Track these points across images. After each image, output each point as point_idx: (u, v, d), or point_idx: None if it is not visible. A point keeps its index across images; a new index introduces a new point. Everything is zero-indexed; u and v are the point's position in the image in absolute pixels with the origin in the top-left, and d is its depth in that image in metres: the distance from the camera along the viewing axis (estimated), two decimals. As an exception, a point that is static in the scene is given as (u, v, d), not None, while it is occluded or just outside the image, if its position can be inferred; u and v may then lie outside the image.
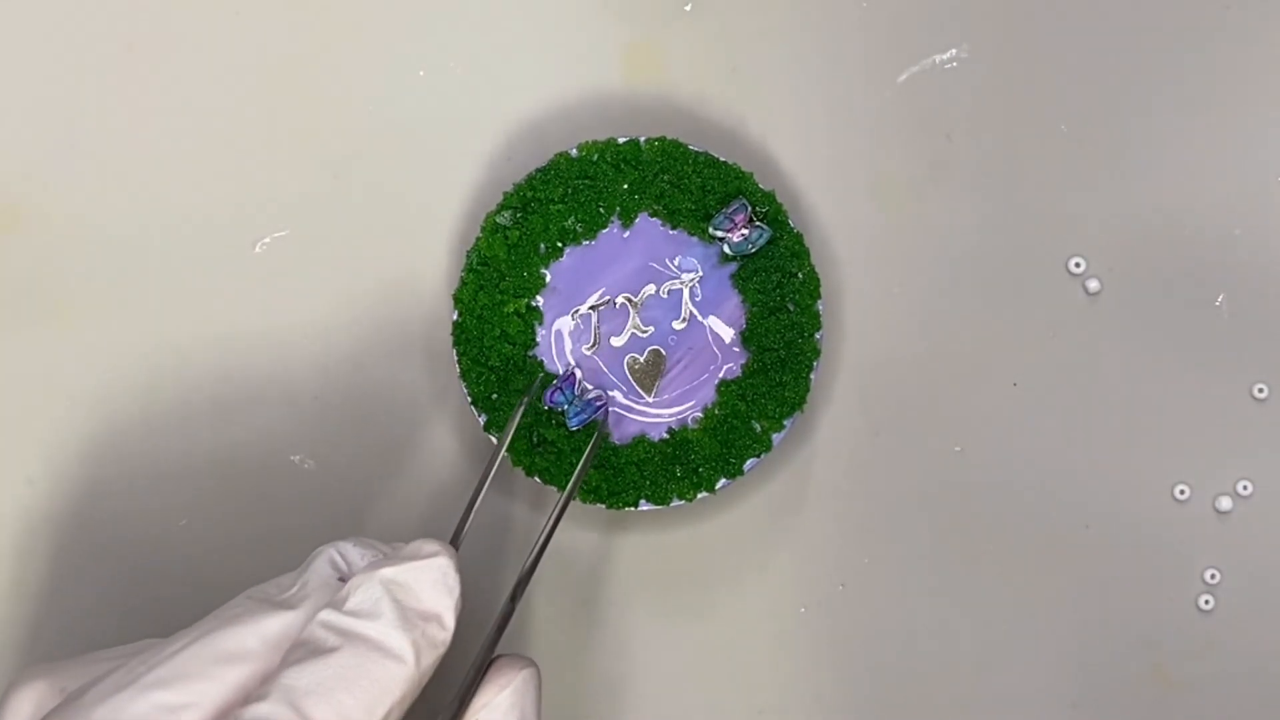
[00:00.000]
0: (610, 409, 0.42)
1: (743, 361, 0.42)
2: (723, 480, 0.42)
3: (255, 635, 0.33)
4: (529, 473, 0.42)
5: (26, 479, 0.44)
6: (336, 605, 0.33)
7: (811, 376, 0.42)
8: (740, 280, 0.42)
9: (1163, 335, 0.44)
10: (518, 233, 0.42)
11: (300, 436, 0.43)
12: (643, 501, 0.42)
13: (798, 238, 0.42)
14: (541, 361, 0.42)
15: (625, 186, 0.42)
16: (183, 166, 0.45)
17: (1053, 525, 0.44)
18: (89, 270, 0.45)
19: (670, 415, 0.42)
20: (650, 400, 0.42)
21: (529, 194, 0.42)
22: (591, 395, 0.42)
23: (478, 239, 0.42)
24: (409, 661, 0.32)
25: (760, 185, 0.42)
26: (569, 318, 0.42)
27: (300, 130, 0.45)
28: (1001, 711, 0.43)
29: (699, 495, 0.42)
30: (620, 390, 0.42)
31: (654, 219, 0.42)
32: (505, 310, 0.42)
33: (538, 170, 0.42)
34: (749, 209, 0.41)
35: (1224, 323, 0.44)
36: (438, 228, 0.45)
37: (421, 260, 0.44)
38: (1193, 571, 0.44)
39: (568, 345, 0.42)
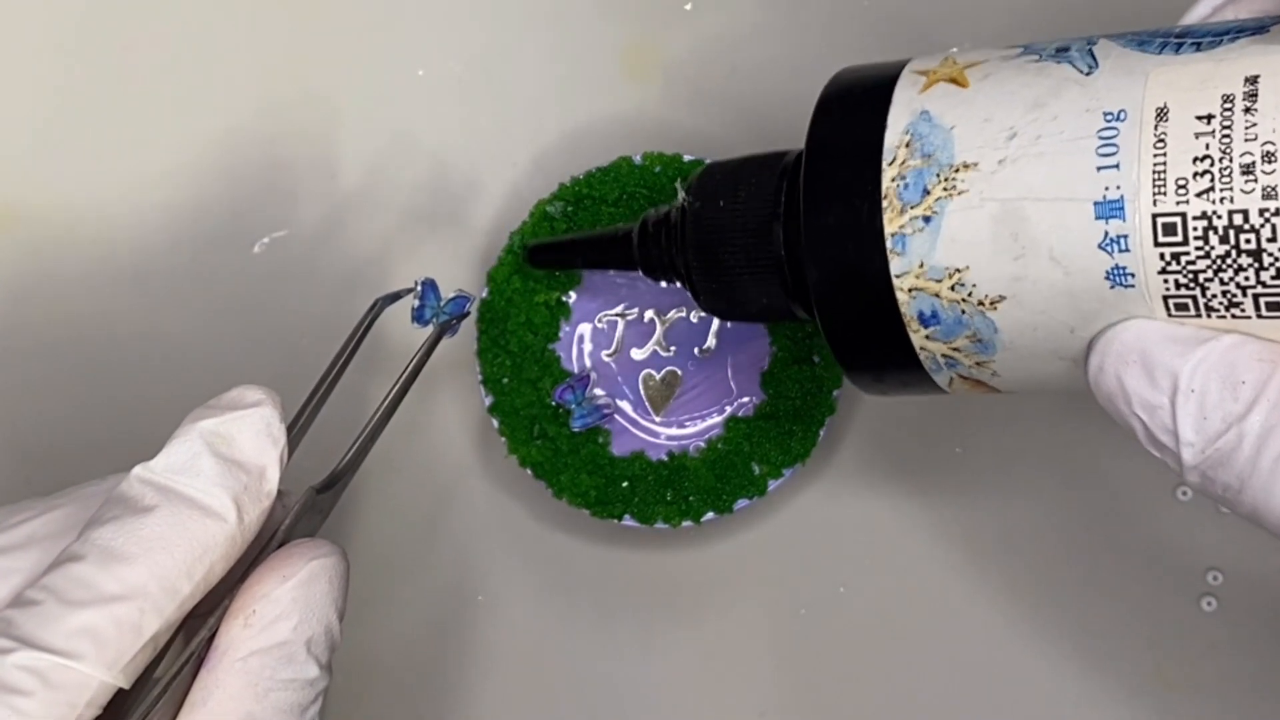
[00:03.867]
0: (615, 418, 0.42)
1: (757, 402, 0.42)
2: (710, 514, 0.41)
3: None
4: (523, 463, 0.41)
5: (25, 480, 0.44)
6: (153, 460, 0.31)
7: (821, 432, 0.41)
8: (772, 323, 0.42)
9: None
10: (564, 225, 0.42)
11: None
12: (627, 517, 0.41)
13: (838, 293, 0.42)
14: (559, 357, 0.42)
15: (680, 204, 0.42)
16: (182, 166, 0.45)
17: (1053, 525, 0.43)
18: (88, 271, 0.44)
19: (673, 439, 0.42)
20: (657, 419, 0.42)
21: (584, 190, 0.42)
22: (600, 401, 0.42)
23: (524, 223, 0.42)
24: (230, 520, 0.31)
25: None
26: (595, 320, 0.42)
27: (300, 130, 0.45)
28: (1002, 712, 0.42)
29: (684, 524, 0.41)
30: (629, 402, 0.42)
31: (701, 243, 0.42)
32: (535, 299, 0.42)
33: (597, 169, 0.42)
34: (796, 254, 0.41)
35: None
36: (437, 227, 0.44)
37: (421, 260, 0.44)
38: (1195, 573, 0.43)
39: (588, 347, 0.42)
